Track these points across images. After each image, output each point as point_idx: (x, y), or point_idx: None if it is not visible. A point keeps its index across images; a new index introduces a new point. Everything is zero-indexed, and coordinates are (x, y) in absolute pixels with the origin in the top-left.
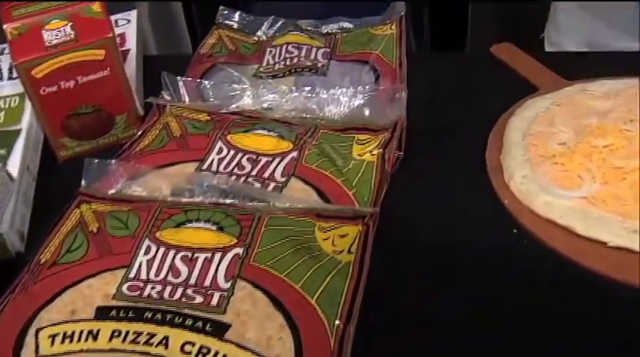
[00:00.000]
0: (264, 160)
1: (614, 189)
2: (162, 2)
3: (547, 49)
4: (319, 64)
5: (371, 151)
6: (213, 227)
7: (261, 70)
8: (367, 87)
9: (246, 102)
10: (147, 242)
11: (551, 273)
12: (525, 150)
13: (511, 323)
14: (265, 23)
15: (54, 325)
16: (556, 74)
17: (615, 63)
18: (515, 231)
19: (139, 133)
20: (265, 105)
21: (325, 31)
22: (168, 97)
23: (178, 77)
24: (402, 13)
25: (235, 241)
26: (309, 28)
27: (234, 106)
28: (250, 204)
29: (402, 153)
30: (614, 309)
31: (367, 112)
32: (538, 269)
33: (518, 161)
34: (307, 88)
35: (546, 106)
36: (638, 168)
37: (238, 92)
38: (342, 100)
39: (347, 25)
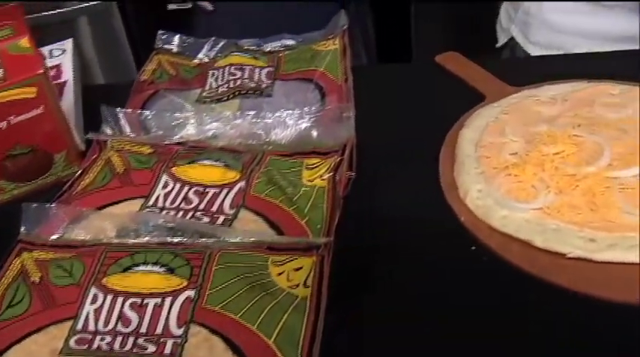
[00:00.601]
0: (211, 192)
1: (569, 198)
2: (105, 28)
3: (533, 52)
4: (263, 85)
5: (321, 176)
6: (162, 269)
7: (204, 94)
8: (313, 107)
9: (190, 131)
10: (93, 290)
11: (512, 289)
12: (478, 163)
13: (474, 341)
14: (206, 45)
15: None
16: (502, 81)
17: (571, 65)
18: (473, 248)
19: (79, 171)
20: (210, 133)
21: (268, 49)
22: (109, 131)
23: (118, 109)
24: (345, 26)
25: (186, 283)
26: (251, 48)
27: (177, 136)
28: (200, 241)
29: (353, 173)
30: (578, 321)
31: (315, 134)
32: (499, 286)
33: (472, 175)
34: (252, 113)
35: (495, 115)
36: (589, 174)
37: (181, 121)
38: (288, 122)
39: (290, 42)
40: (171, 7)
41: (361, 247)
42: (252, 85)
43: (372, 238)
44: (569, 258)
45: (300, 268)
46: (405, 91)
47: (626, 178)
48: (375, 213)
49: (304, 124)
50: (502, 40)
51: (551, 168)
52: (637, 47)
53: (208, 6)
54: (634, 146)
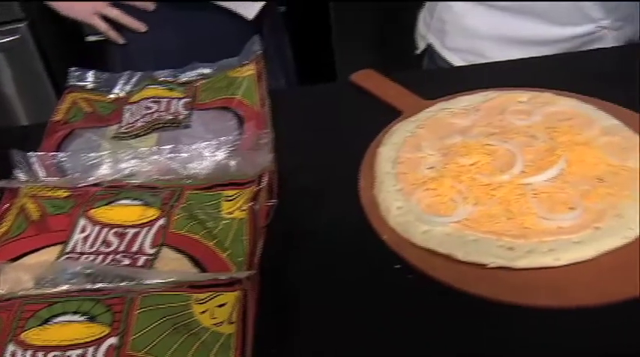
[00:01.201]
0: (131, 232)
1: (486, 208)
2: (24, 65)
3: (449, 58)
4: (181, 117)
5: (240, 207)
6: (83, 318)
7: (121, 130)
8: (231, 136)
9: (105, 171)
10: (11, 348)
11: (438, 305)
12: (397, 179)
13: None
14: (121, 79)
15: None
16: (417, 96)
17: (484, 74)
18: (398, 267)
19: None
20: (126, 172)
21: (184, 79)
22: (22, 176)
23: (30, 153)
24: (259, 52)
25: (108, 330)
26: (167, 79)
27: (92, 178)
28: (121, 285)
29: (275, 201)
30: (505, 332)
31: (233, 164)
32: (425, 303)
33: (391, 192)
34: (168, 147)
35: (411, 130)
36: (503, 183)
37: (97, 160)
38: (205, 154)
39: (206, 70)
40: (91, 38)
41: (287, 274)
42: (170, 117)
43: (296, 264)
44: (491, 268)
45: (224, 304)
46: (323, 113)
47: (538, 183)
48: (298, 239)
49: (222, 155)
50: (421, 47)
51: (467, 179)
52: (549, 50)
53: (149, 7)
54: (544, 151)
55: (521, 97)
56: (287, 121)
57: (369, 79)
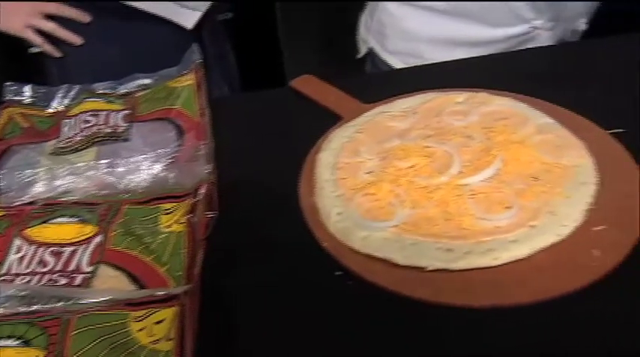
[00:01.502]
0: (67, 251)
1: (424, 210)
2: None
3: (390, 61)
4: (120, 130)
5: (178, 220)
6: (17, 343)
7: (59, 145)
8: (168, 149)
9: (41, 189)
10: None
11: (379, 310)
12: (336, 185)
13: None
14: (59, 93)
15: None
16: (356, 100)
17: (423, 76)
18: (338, 273)
19: None
20: (62, 189)
21: (124, 91)
22: None
23: None
24: (198, 61)
25: (43, 354)
26: (106, 92)
27: (27, 196)
28: (57, 305)
29: (215, 212)
30: (447, 333)
31: (172, 177)
32: (366, 309)
33: (331, 198)
34: (105, 162)
35: (350, 135)
36: (441, 184)
37: (32, 178)
38: (143, 167)
39: (145, 81)
40: (34, 50)
41: (227, 286)
42: (108, 130)
43: (237, 275)
44: (430, 271)
45: (162, 320)
46: (264, 120)
47: (475, 184)
48: (239, 249)
49: (160, 167)
50: (363, 50)
51: (405, 183)
52: (486, 51)
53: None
54: (480, 152)
55: (458, 98)
56: (228, 129)
57: (308, 85)
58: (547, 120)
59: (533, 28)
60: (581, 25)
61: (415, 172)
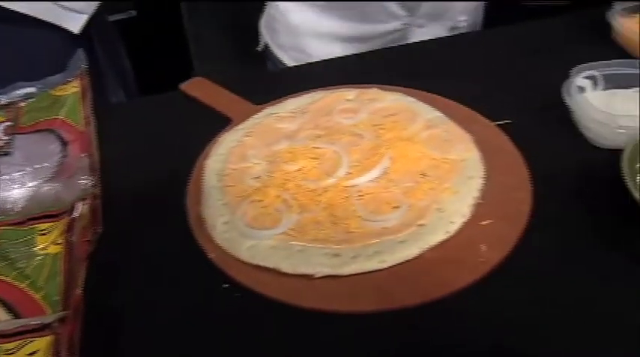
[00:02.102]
0: None
1: (312, 215)
2: None
3: (280, 56)
4: (1, 143)
5: (54, 241)
6: None
7: None
8: (47, 163)
9: None
10: None
11: (267, 322)
12: (223, 193)
13: None
14: None
15: None
16: (247, 101)
17: (313, 74)
18: (225, 286)
19: None
20: None
21: (6, 101)
22: None
23: None
24: (84, 66)
25: None
26: None
27: None
28: None
29: (100, 228)
30: (336, 342)
31: (53, 193)
32: (255, 321)
33: (217, 207)
34: None
35: (238, 138)
36: (329, 187)
37: None
38: (20, 184)
39: (29, 90)
40: None
41: (111, 306)
42: None
43: (122, 293)
44: (319, 278)
45: (36, 351)
46: (155, 126)
47: (363, 184)
48: (125, 265)
49: (39, 183)
50: (261, 45)
51: (293, 187)
52: (367, 47)
53: None
54: (369, 150)
55: (349, 95)
56: (118, 138)
57: (198, 88)
58: (436, 114)
59: (406, 25)
60: (461, 22)
61: (303, 175)
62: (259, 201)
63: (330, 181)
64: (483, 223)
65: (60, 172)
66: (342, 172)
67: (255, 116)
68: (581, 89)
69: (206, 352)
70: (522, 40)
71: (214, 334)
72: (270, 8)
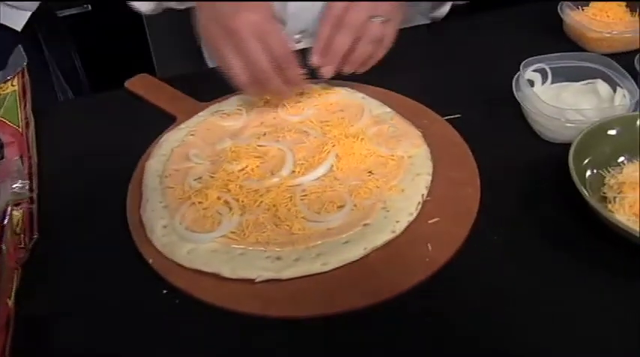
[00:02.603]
0: None
1: (253, 216)
2: None
3: None
4: None
5: None
6: None
7: None
8: None
9: None
10: None
11: (208, 329)
12: (163, 196)
13: None
14: None
15: None
16: (193, 99)
17: None
18: (165, 292)
19: None
20: None
21: None
22: None
23: None
24: (24, 64)
25: None
26: None
27: None
28: None
29: (36, 233)
30: (277, 348)
31: None
32: (196, 328)
33: (157, 211)
34: None
35: (181, 138)
36: (272, 186)
37: None
38: None
39: None
40: None
41: (45, 315)
42: None
43: (58, 303)
44: (260, 282)
45: None
46: (97, 126)
47: (308, 183)
48: (61, 274)
49: None
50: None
51: (235, 187)
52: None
53: None
54: (315, 148)
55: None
56: (60, 138)
57: (142, 85)
58: (385, 109)
59: None
60: (422, 20)
61: (246, 175)
62: (200, 203)
63: (274, 180)
64: (431, 221)
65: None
66: (286, 170)
67: (200, 114)
68: (531, 82)
69: None
70: (474, 32)
71: (152, 341)
72: None
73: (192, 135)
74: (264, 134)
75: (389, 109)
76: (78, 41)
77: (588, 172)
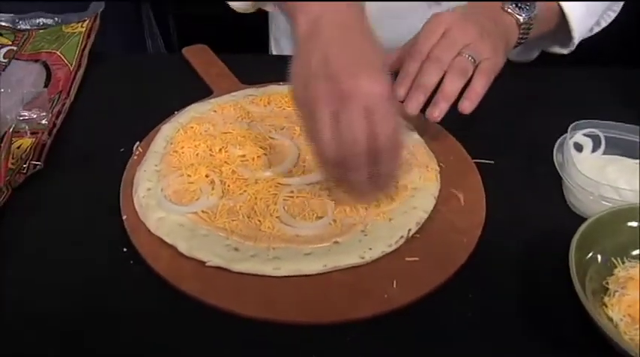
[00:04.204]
0: None
1: (231, 203)
2: None
3: None
4: None
5: None
6: None
7: None
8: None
9: None
10: None
11: (151, 296)
12: (160, 160)
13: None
14: None
15: None
16: (236, 78)
17: None
18: (125, 250)
19: None
20: None
21: (22, 27)
22: None
23: None
24: (99, 11)
25: None
26: (3, 24)
27: None
28: None
29: (40, 163)
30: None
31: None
32: (136, 293)
33: (148, 172)
34: None
35: (204, 111)
36: (262, 179)
37: None
38: None
39: (46, 21)
40: None
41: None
42: None
43: (26, 233)
44: (211, 267)
45: None
46: (140, 83)
47: (298, 185)
48: (42, 208)
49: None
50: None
51: (228, 170)
52: None
53: None
54: None
55: None
56: (101, 85)
57: (198, 55)
58: (412, 135)
59: None
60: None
61: (243, 163)
62: (188, 176)
63: (267, 174)
64: (409, 259)
65: (33, 102)
66: (283, 168)
67: (233, 94)
68: (579, 147)
69: (74, 308)
70: (540, 84)
71: (92, 293)
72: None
73: (214, 111)
74: (283, 128)
75: (416, 136)
76: None
77: (600, 257)
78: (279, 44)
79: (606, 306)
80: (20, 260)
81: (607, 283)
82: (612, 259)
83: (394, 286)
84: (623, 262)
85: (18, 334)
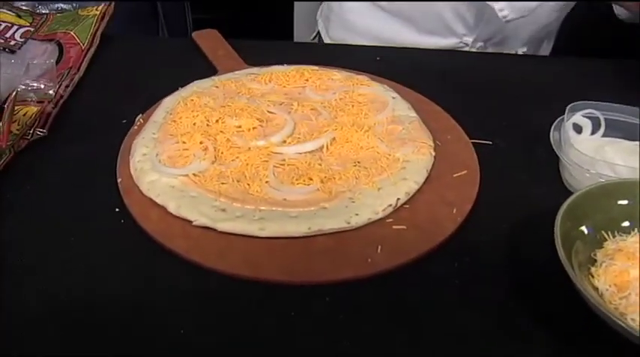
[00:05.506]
0: None
1: (222, 168)
2: None
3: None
4: (12, 42)
5: None
6: None
7: None
8: (39, 64)
9: None
10: None
11: (140, 254)
12: (159, 128)
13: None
14: None
15: None
16: (242, 60)
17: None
18: (117, 210)
19: None
20: None
21: (43, 11)
22: None
23: None
24: None
25: None
26: (22, 7)
27: None
28: None
29: (45, 131)
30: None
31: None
32: (124, 250)
33: (146, 139)
34: None
35: (206, 86)
36: (255, 147)
37: None
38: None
39: (64, 6)
40: None
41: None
42: (1, 41)
43: (22, 195)
44: (197, 227)
45: None
46: (149, 64)
47: (290, 154)
48: (44, 171)
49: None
50: (313, 33)
51: (222, 138)
52: None
53: None
54: (319, 128)
55: (336, 75)
56: (108, 66)
57: (207, 39)
58: (409, 113)
59: (463, 44)
60: (519, 51)
61: (239, 132)
62: (183, 143)
63: (260, 143)
64: (396, 227)
65: (43, 74)
66: (277, 138)
67: (236, 72)
68: (578, 128)
69: (67, 259)
70: (542, 70)
71: (90, 249)
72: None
73: (216, 86)
74: (281, 104)
75: (414, 114)
76: None
77: (586, 230)
78: (329, 33)
79: (592, 276)
80: (19, 217)
81: (595, 254)
82: (602, 232)
83: (378, 251)
84: (614, 236)
85: (18, 283)
